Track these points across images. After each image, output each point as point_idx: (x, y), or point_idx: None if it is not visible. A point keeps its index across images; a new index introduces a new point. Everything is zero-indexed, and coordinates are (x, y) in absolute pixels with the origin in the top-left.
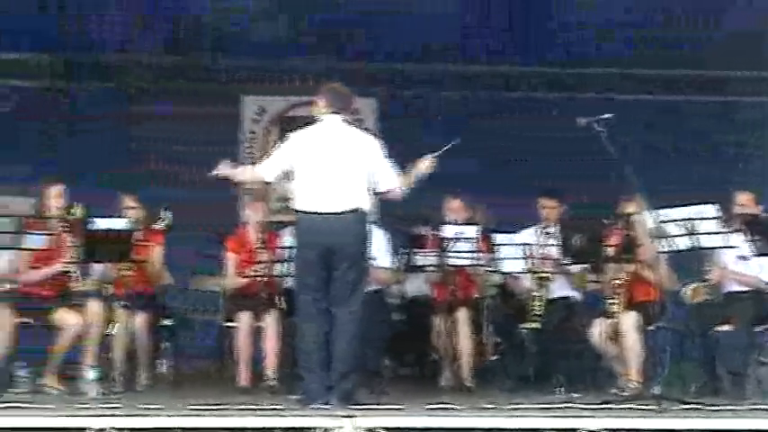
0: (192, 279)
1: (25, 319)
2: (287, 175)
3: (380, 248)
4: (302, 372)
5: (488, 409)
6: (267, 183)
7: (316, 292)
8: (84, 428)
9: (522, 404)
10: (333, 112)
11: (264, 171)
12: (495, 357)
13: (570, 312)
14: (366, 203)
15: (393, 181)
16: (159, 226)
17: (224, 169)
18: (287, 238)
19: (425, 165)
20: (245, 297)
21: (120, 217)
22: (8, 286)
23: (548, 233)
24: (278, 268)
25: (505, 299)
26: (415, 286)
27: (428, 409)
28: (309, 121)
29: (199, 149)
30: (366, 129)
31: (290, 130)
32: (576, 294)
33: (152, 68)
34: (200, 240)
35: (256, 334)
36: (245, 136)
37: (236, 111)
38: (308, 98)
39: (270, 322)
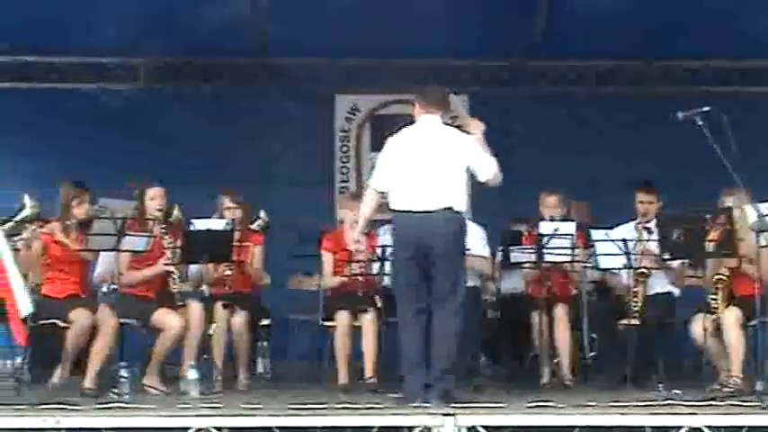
0: (290, 279)
1: (126, 320)
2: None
3: (475, 239)
4: (402, 370)
5: (589, 406)
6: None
7: (413, 290)
8: (186, 428)
9: (622, 401)
10: (428, 113)
11: (377, 184)
12: (592, 354)
13: (670, 308)
14: (461, 203)
15: (490, 170)
16: (256, 226)
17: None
18: (383, 237)
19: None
20: (343, 296)
21: (219, 218)
22: (110, 287)
23: (646, 228)
24: (375, 267)
25: (603, 295)
26: (509, 284)
27: (528, 407)
28: (401, 118)
29: (294, 148)
30: (459, 127)
31: (382, 128)
32: (675, 290)
33: (244, 69)
34: (297, 240)
35: (354, 333)
36: (338, 134)
37: (329, 109)
38: (400, 96)
39: (368, 321)
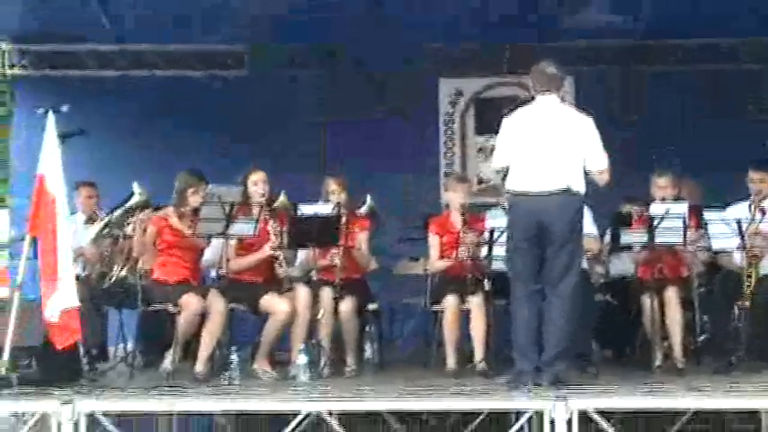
0: (397, 263)
1: (235, 305)
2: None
3: (584, 219)
4: (514, 354)
5: (702, 390)
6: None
7: (528, 272)
8: (297, 412)
9: (735, 385)
10: (545, 92)
11: (497, 162)
12: (704, 337)
13: None
14: (580, 184)
15: (601, 163)
16: (363, 211)
17: None
18: (492, 220)
19: None
20: (451, 280)
21: (324, 202)
22: (219, 272)
23: (759, 208)
24: (483, 250)
25: (715, 277)
26: (618, 267)
27: (641, 390)
28: (506, 101)
29: (395, 131)
30: (581, 108)
31: (486, 111)
32: None
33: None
34: (404, 224)
35: (463, 316)
36: (442, 118)
37: (433, 93)
38: (504, 79)
39: (476, 304)
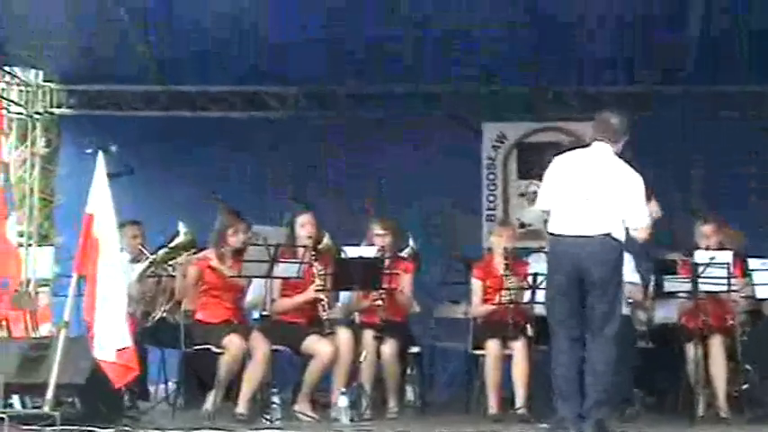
0: (439, 307)
1: (278, 347)
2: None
3: (626, 267)
4: (555, 400)
5: None
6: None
7: (568, 317)
8: None
9: None
10: (599, 140)
11: (541, 203)
12: (746, 386)
13: None
14: (620, 232)
15: (641, 221)
16: (405, 254)
17: None
18: (534, 265)
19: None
20: (494, 324)
21: (368, 245)
22: (262, 314)
23: None
24: (526, 295)
25: (759, 325)
26: (662, 313)
27: None
28: (549, 146)
29: (440, 177)
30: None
31: (529, 156)
32: None
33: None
34: (447, 267)
35: (505, 361)
36: (485, 162)
37: (476, 137)
38: (548, 124)
39: (518, 349)
